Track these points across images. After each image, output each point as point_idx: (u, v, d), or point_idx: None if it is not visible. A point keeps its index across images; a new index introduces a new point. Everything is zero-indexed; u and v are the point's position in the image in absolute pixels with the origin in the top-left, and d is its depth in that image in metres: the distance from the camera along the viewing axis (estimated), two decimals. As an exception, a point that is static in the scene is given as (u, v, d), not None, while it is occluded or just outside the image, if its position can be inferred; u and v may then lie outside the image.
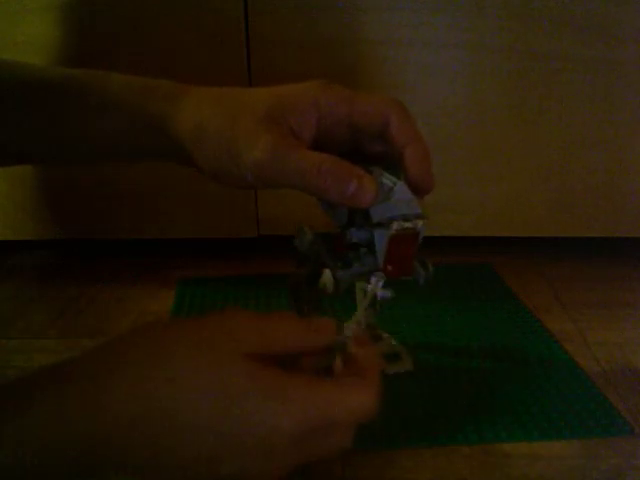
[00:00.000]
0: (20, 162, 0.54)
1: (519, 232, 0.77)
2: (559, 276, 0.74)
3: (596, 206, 0.74)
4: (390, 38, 0.68)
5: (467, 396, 0.49)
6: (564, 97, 0.70)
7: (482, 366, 0.54)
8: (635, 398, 0.49)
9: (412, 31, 0.68)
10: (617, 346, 0.57)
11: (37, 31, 0.66)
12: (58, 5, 0.66)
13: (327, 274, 0.41)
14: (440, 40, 0.68)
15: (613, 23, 0.67)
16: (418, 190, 0.38)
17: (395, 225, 0.37)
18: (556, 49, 0.68)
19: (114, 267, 0.77)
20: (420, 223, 0.37)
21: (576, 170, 0.73)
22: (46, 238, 0.78)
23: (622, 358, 0.55)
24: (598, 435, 0.45)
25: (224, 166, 0.37)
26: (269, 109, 0.36)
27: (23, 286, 0.72)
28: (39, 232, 0.77)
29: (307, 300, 0.47)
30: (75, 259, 0.81)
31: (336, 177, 0.34)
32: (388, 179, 0.37)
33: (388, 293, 0.39)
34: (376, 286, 0.39)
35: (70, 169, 0.73)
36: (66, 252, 0.82)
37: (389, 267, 0.38)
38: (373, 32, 0.68)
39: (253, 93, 0.38)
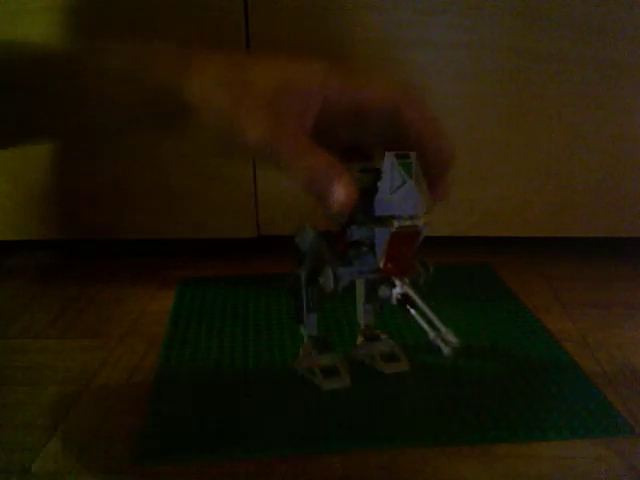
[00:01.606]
0: (15, 144, 0.52)
1: (519, 232, 0.77)
2: (559, 276, 0.74)
3: (596, 206, 0.74)
4: (391, 38, 0.68)
5: (467, 396, 0.49)
6: (564, 97, 0.70)
7: (482, 366, 0.53)
8: (635, 398, 0.49)
9: (413, 31, 0.68)
10: (617, 346, 0.57)
11: (37, 31, 0.66)
12: (58, 5, 0.66)
13: (327, 271, 0.41)
14: (441, 40, 0.68)
15: (613, 23, 0.67)
16: (442, 164, 0.37)
17: (396, 223, 0.37)
18: (556, 49, 0.68)
19: (114, 267, 0.77)
20: (422, 222, 0.37)
21: (576, 170, 0.73)
22: (47, 238, 0.78)
23: (622, 358, 0.55)
24: (598, 435, 0.45)
25: (225, 143, 0.37)
26: (273, 91, 0.36)
27: (23, 286, 0.72)
28: (40, 232, 0.77)
29: (307, 299, 0.47)
30: (75, 259, 0.81)
31: (320, 183, 0.34)
32: (400, 175, 0.36)
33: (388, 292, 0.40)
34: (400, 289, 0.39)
35: (70, 170, 0.73)
36: (66, 252, 0.83)
37: (388, 265, 0.39)
38: (374, 32, 0.68)
39: (259, 71, 0.38)
